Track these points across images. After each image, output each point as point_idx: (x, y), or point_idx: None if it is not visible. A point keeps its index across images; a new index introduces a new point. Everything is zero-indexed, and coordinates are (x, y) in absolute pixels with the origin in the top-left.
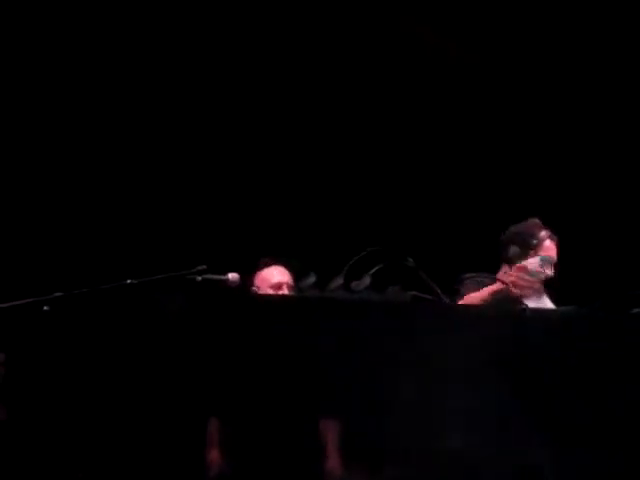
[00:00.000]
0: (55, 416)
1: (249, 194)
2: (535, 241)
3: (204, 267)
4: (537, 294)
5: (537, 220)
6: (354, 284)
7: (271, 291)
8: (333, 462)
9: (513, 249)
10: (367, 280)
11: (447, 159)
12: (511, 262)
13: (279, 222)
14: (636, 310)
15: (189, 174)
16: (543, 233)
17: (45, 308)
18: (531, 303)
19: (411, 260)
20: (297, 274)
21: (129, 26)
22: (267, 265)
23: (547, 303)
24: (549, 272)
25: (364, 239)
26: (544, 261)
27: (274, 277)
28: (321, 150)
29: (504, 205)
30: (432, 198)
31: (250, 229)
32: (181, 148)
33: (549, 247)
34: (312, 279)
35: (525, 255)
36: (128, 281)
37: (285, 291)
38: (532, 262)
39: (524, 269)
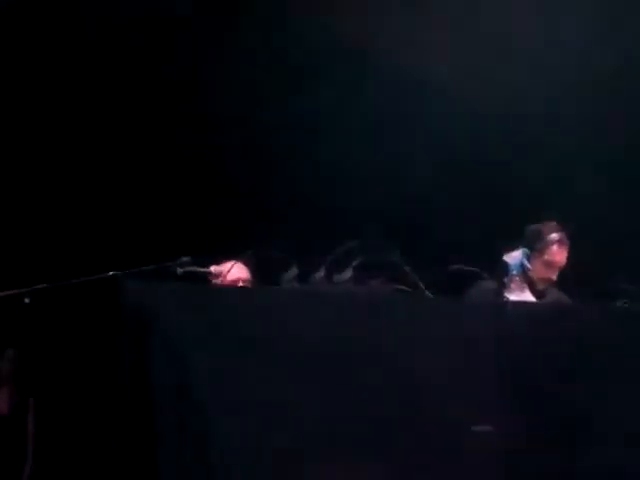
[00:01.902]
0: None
1: (230, 186)
2: (539, 245)
3: (187, 259)
4: (519, 288)
5: (552, 223)
6: (336, 276)
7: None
8: None
9: (522, 249)
10: (349, 272)
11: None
12: None
13: (262, 213)
14: (620, 302)
15: (171, 165)
16: (551, 237)
17: (26, 300)
18: (513, 297)
19: (395, 253)
20: (255, 268)
21: None
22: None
23: (529, 297)
24: (552, 276)
25: (347, 231)
26: (526, 255)
27: (233, 273)
28: (307, 147)
29: (495, 203)
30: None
31: (233, 221)
32: (161, 141)
33: (556, 251)
34: (294, 272)
35: (531, 256)
36: (111, 273)
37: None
38: (514, 256)
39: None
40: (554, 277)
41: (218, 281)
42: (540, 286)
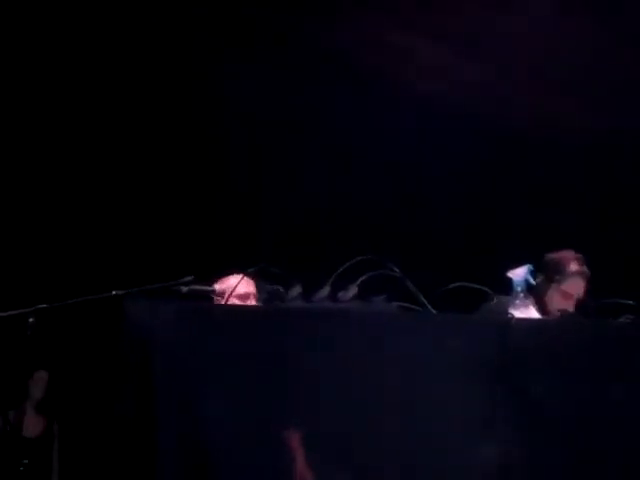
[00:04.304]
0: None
1: (233, 204)
2: (558, 275)
3: (191, 278)
4: (524, 304)
5: (571, 253)
6: (340, 294)
7: (236, 300)
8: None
9: (540, 277)
10: (353, 290)
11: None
12: (536, 290)
13: (265, 232)
14: (623, 318)
15: (175, 184)
16: (571, 268)
17: (30, 320)
18: (518, 313)
19: (397, 270)
20: (261, 285)
21: None
22: (232, 274)
23: (533, 314)
24: (569, 307)
25: (351, 249)
26: (530, 272)
27: (240, 287)
28: (308, 162)
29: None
30: (420, 208)
31: (238, 239)
32: (165, 160)
33: (575, 283)
34: (298, 290)
35: (547, 287)
36: (114, 292)
37: (252, 302)
38: (518, 273)
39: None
40: (571, 309)
41: (224, 298)
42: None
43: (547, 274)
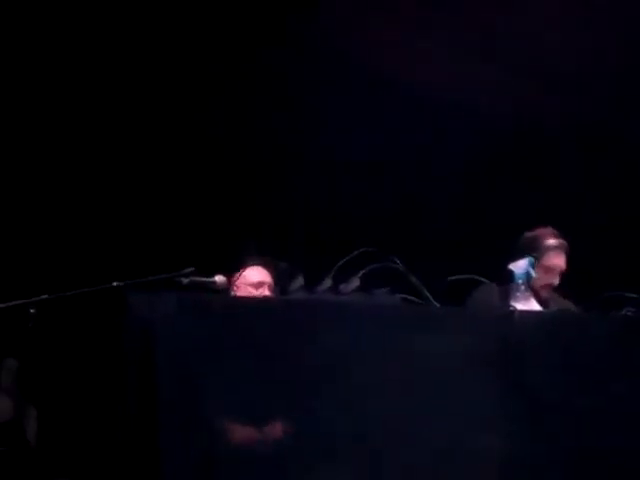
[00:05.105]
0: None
1: (236, 194)
2: (536, 252)
3: (192, 269)
4: (525, 297)
5: (548, 229)
6: (342, 286)
7: (251, 289)
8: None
9: (528, 258)
10: (356, 282)
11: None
12: None
13: (268, 223)
14: (625, 310)
15: (175, 175)
16: (548, 242)
17: (32, 311)
18: (519, 305)
19: (400, 262)
20: (280, 275)
21: None
22: (248, 265)
23: (534, 306)
24: (553, 281)
25: (353, 241)
26: (531, 264)
27: (254, 276)
28: (310, 154)
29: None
30: (419, 201)
31: (239, 230)
32: (166, 151)
33: (555, 256)
34: (300, 281)
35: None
36: (114, 283)
37: (266, 291)
38: (520, 265)
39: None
40: (556, 282)
41: (236, 287)
42: (544, 294)
43: (525, 253)
